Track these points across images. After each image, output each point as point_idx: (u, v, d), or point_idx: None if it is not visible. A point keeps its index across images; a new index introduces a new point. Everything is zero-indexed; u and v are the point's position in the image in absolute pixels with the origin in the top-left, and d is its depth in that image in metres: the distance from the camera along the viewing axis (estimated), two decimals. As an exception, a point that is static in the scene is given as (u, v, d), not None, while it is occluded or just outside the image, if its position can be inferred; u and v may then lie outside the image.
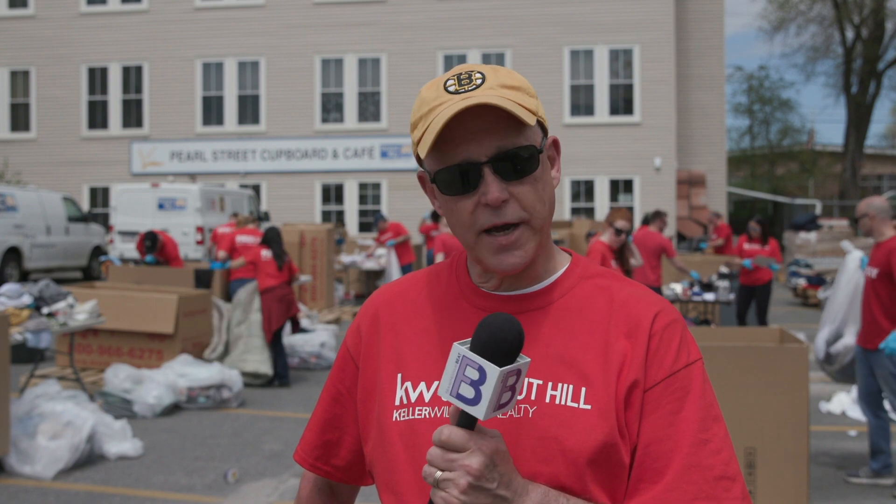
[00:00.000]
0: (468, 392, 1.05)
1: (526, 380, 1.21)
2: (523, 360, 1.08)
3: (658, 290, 9.27)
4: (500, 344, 1.06)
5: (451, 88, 1.22)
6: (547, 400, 1.19)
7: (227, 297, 9.53)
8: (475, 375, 1.05)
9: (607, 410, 1.18)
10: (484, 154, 1.20)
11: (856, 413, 7.38)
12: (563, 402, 1.19)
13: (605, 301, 1.27)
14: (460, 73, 1.24)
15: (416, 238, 18.14)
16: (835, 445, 6.45)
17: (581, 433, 1.17)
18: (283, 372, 8.69)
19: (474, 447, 1.07)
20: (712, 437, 1.19)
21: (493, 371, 1.04)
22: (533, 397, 1.20)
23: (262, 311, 8.58)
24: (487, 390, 1.04)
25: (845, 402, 7.67)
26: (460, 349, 1.07)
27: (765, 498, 4.67)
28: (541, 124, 1.27)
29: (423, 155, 1.23)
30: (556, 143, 1.32)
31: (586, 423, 1.17)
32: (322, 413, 1.43)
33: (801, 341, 4.87)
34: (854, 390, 7.78)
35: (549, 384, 1.20)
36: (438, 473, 1.07)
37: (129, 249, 16.78)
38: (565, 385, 1.20)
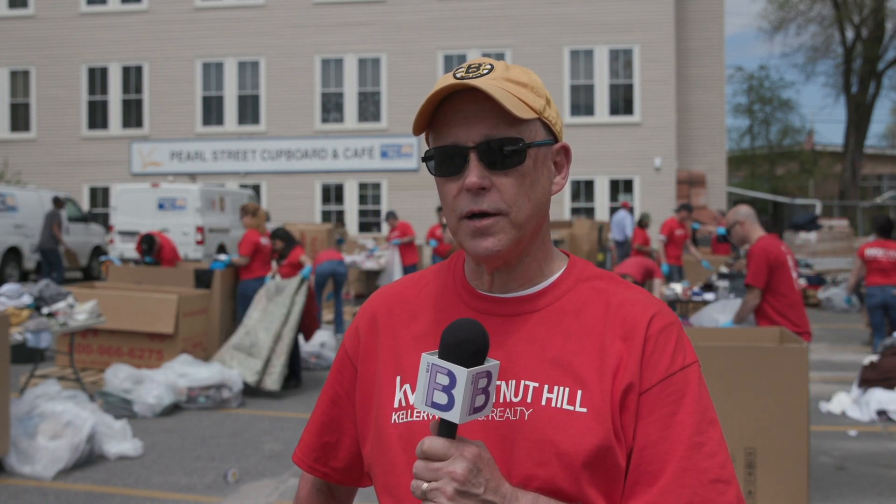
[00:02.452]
0: (441, 398, 1.08)
1: (523, 382, 1.21)
2: (491, 362, 1.10)
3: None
4: (464, 345, 1.08)
5: (459, 75, 1.24)
6: (542, 403, 1.19)
7: (235, 296, 9.58)
8: (445, 381, 1.07)
9: (603, 413, 1.18)
10: (472, 140, 1.21)
11: (856, 413, 7.39)
12: (558, 405, 1.19)
13: (602, 304, 1.27)
14: (472, 63, 1.26)
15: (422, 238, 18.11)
16: (835, 445, 6.45)
17: (576, 436, 1.17)
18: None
19: (456, 454, 1.08)
20: (707, 440, 1.19)
21: (461, 373, 1.06)
22: (529, 400, 1.20)
23: (305, 311, 8.61)
24: (459, 393, 1.06)
25: (845, 402, 7.67)
26: (428, 358, 1.09)
27: (765, 498, 4.67)
28: (546, 125, 1.27)
29: (414, 132, 1.25)
30: (566, 150, 1.33)
31: (582, 426, 1.17)
32: (320, 415, 1.43)
33: (801, 341, 4.86)
34: (854, 390, 7.80)
35: (545, 387, 1.20)
36: (425, 485, 1.08)
37: (129, 249, 16.77)
38: (561, 388, 1.20)
